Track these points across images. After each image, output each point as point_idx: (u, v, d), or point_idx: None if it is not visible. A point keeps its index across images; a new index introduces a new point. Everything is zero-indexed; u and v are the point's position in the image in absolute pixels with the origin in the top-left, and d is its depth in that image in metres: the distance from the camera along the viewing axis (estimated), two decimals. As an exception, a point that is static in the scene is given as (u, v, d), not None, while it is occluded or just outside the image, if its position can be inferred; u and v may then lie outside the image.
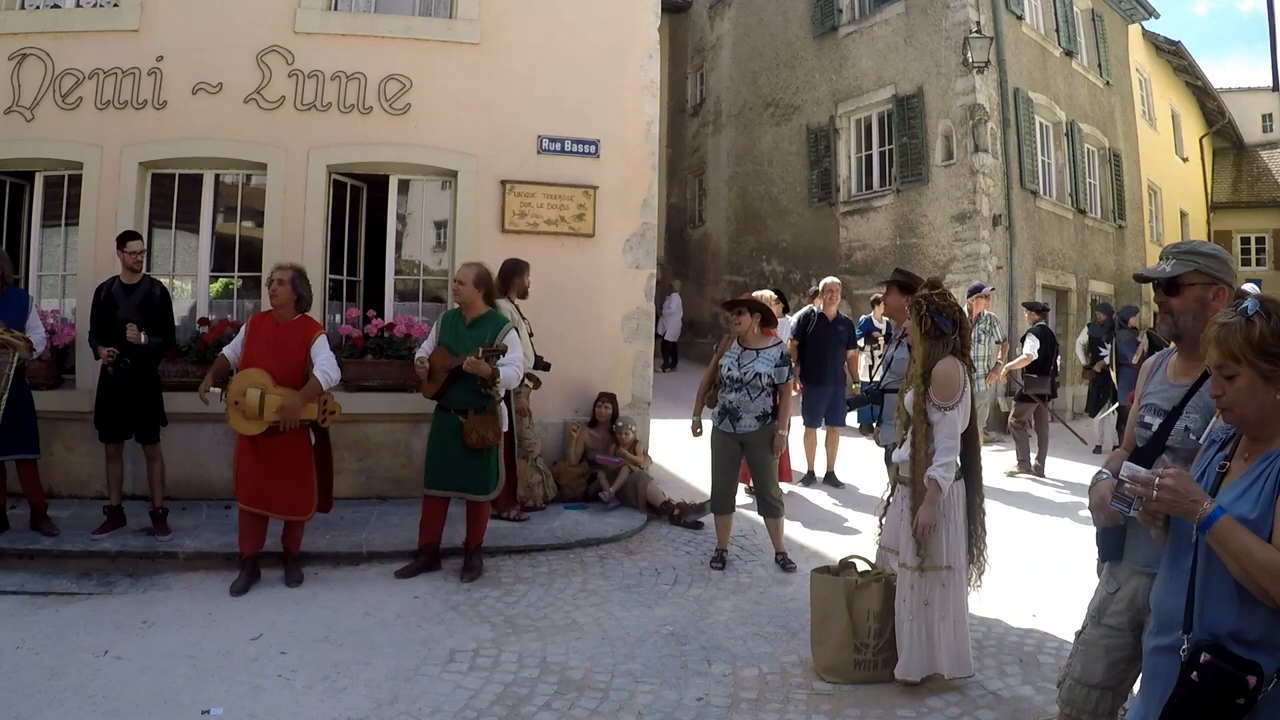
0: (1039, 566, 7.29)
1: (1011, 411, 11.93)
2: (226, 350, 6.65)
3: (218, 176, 8.87)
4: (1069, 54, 18.40)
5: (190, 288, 9.03)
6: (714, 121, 22.89)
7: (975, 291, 11.03)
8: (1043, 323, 11.58)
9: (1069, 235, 18.04)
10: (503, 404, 6.82)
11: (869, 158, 17.90)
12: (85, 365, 7.99)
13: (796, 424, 8.71)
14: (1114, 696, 3.28)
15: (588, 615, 6.08)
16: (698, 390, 7.42)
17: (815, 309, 10.35)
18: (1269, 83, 29.17)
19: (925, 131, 16.13)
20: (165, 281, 8.02)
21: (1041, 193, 16.97)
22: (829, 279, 10.66)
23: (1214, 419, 2.80)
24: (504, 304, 7.61)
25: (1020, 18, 16.62)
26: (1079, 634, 3.41)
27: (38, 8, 8.69)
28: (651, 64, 9.58)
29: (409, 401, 8.11)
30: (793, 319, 10.72)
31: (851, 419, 11.89)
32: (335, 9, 8.97)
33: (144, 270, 7.42)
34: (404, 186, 9.29)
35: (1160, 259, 3.30)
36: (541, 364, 8.22)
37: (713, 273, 22.79)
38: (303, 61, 8.61)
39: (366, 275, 9.55)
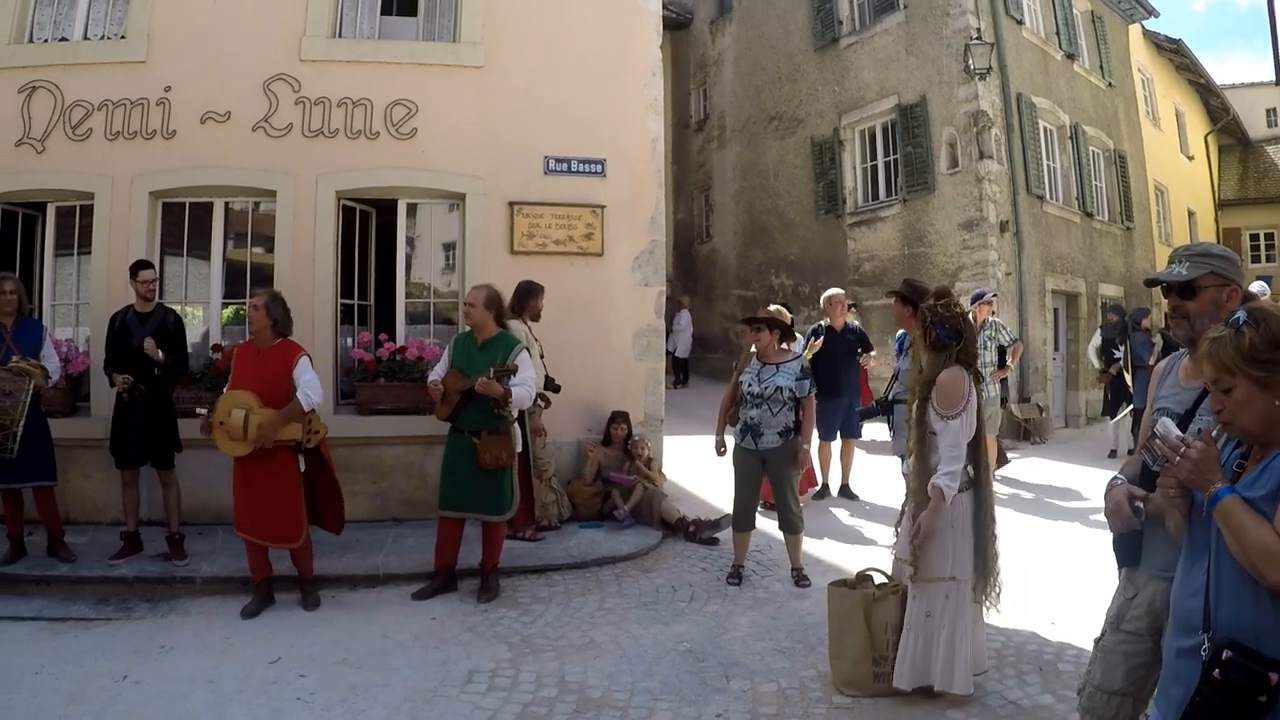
0: (1056, 573, 7.25)
1: None
2: None
3: (227, 204, 8.94)
4: (1070, 57, 18.39)
5: (203, 314, 9.09)
6: (719, 136, 22.91)
7: (978, 299, 11.03)
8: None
9: (1077, 239, 18.00)
10: (516, 424, 6.85)
11: (874, 168, 17.89)
12: (100, 393, 8.05)
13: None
14: (1134, 703, 3.27)
15: (605, 634, 6.09)
16: (719, 409, 7.42)
17: (824, 323, 10.34)
18: (1270, 77, 28.98)
19: (930, 140, 16.13)
20: (178, 308, 8.09)
21: (1048, 197, 16.94)
22: (832, 291, 10.65)
23: None
24: (517, 325, 7.63)
25: (1020, 22, 16.63)
26: (1098, 640, 3.40)
27: (46, 41, 8.78)
28: (655, 82, 9.61)
29: (422, 424, 8.11)
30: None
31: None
32: (340, 36, 9.04)
33: (157, 298, 7.48)
34: (412, 210, 9.34)
35: (1171, 262, 3.29)
36: (552, 385, 8.24)
37: (722, 288, 22.77)
38: (309, 89, 8.68)
39: (377, 299, 9.57)
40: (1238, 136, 29.27)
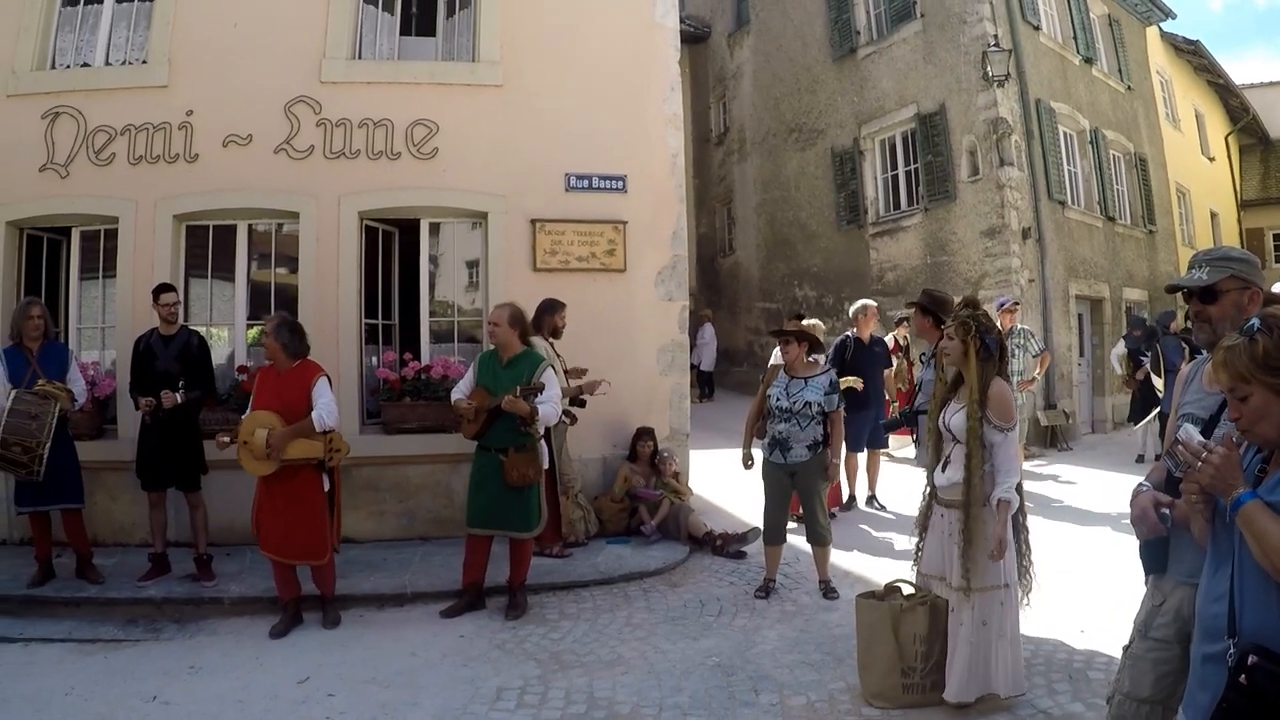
0: (1085, 580, 7.21)
1: None
2: None
3: (251, 226, 8.98)
4: (1088, 61, 18.33)
5: (228, 335, 9.14)
6: (739, 149, 22.92)
7: (1000, 306, 11.01)
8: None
9: (1099, 243, 17.91)
10: (542, 441, 6.86)
11: (895, 178, 17.85)
12: (126, 415, 8.11)
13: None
14: (1164, 710, 3.25)
15: (633, 649, 6.07)
16: (746, 422, 7.40)
17: (850, 334, 10.30)
18: (1289, 75, 28.93)
19: (950, 148, 16.08)
20: (202, 330, 8.16)
21: (1070, 202, 16.86)
22: (863, 301, 10.61)
23: None
24: (538, 342, 7.65)
25: (1037, 28, 16.58)
26: (1126, 648, 3.38)
27: (68, 67, 8.87)
28: (674, 97, 9.62)
29: (448, 442, 8.12)
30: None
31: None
32: (359, 58, 9.10)
33: (180, 321, 7.53)
34: (435, 229, 9.38)
35: (1191, 267, 3.29)
36: (577, 400, 8.25)
37: (745, 300, 22.76)
38: (330, 110, 8.74)
39: (401, 318, 9.60)
40: (1258, 136, 29.04)
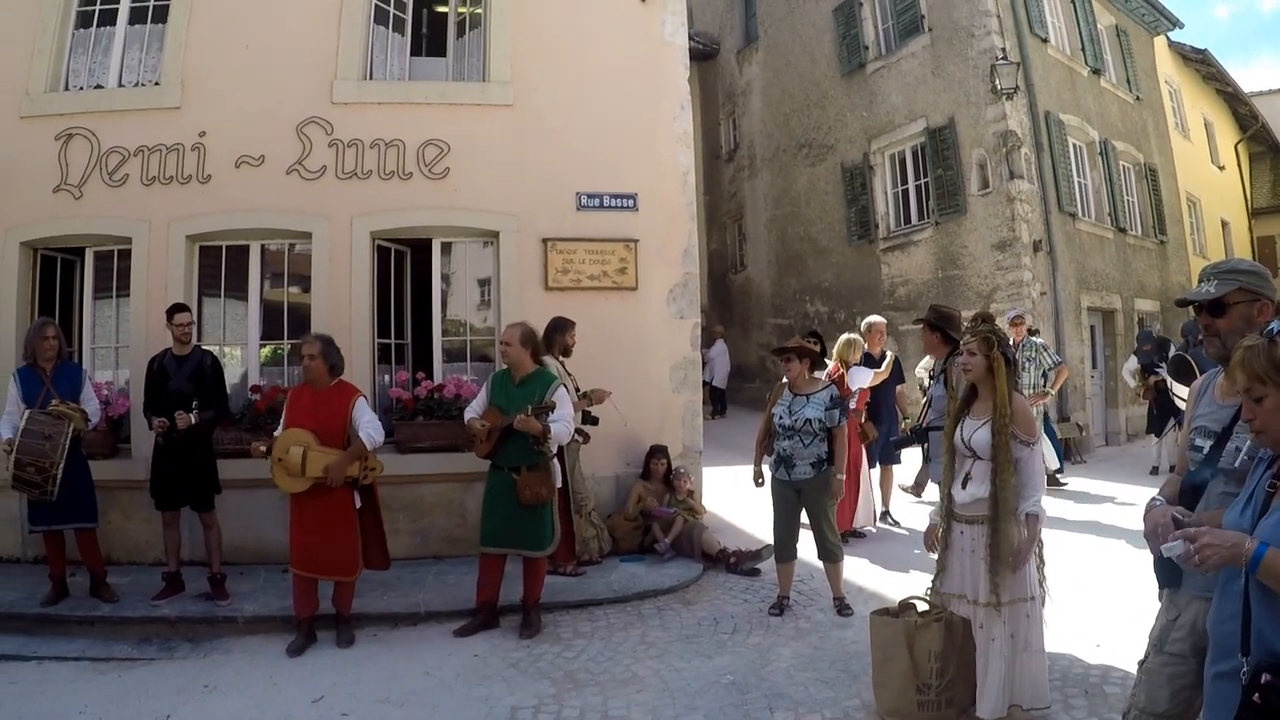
0: (1100, 594, 7.17)
1: None
2: None
3: (264, 246, 9.02)
4: (1096, 72, 18.36)
5: (241, 355, 9.17)
6: (749, 166, 22.98)
7: (1010, 320, 11.01)
8: None
9: (1111, 255, 17.90)
10: (555, 460, 6.86)
11: (905, 192, 17.88)
12: (141, 435, 8.13)
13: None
14: None
15: (648, 667, 6.05)
16: (756, 440, 7.40)
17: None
18: (1297, 82, 28.82)
19: (959, 162, 16.11)
20: (215, 350, 8.20)
21: (1080, 214, 16.87)
22: (872, 318, 10.60)
23: None
24: (550, 361, 7.66)
25: (1045, 40, 16.63)
26: (1142, 663, 3.38)
27: (81, 88, 8.95)
28: (684, 115, 9.63)
29: (461, 461, 8.13)
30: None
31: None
32: (371, 78, 9.15)
33: (193, 341, 7.56)
34: (446, 248, 9.40)
35: (1200, 280, 3.30)
36: (589, 419, 8.26)
37: (757, 316, 22.78)
38: (342, 131, 8.79)
39: (414, 337, 9.63)
40: (1268, 143, 28.97)
